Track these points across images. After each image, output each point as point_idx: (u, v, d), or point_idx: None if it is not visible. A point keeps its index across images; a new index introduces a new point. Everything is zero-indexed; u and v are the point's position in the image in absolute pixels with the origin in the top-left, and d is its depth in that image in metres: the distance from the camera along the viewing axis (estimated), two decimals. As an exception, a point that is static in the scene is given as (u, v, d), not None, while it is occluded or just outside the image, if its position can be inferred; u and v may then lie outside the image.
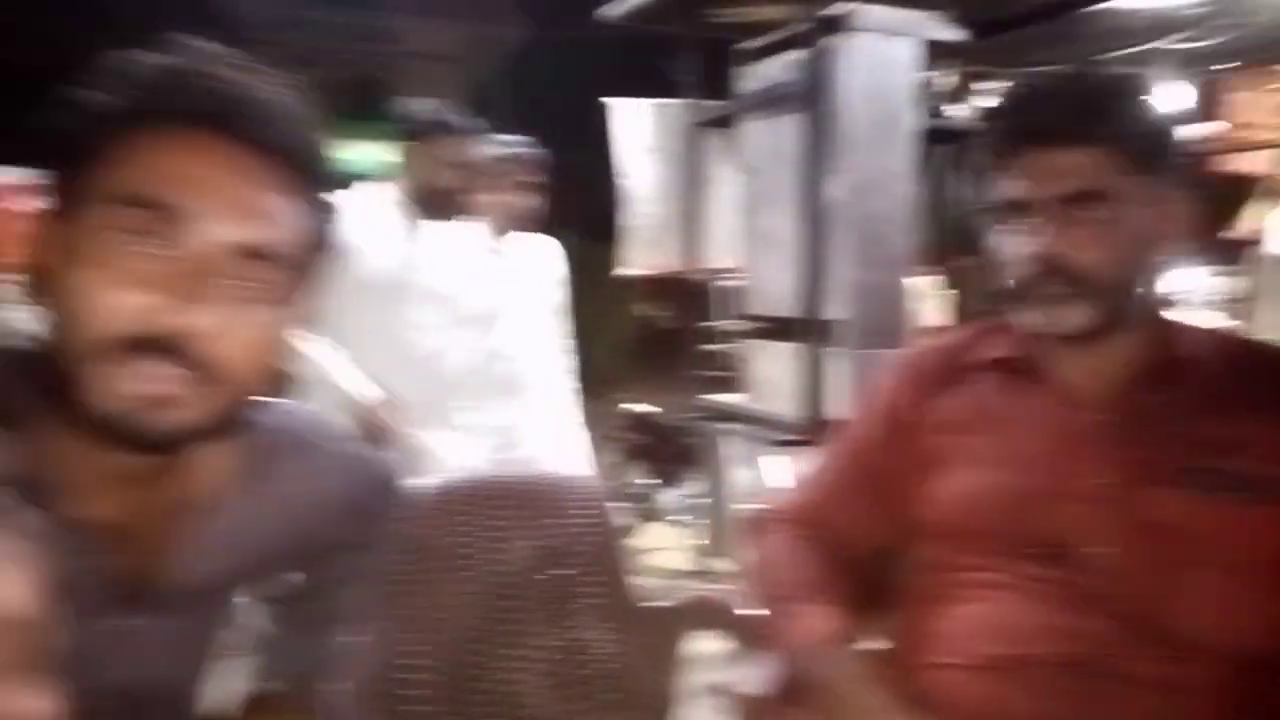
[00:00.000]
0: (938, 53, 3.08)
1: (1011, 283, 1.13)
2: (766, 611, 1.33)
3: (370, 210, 2.44)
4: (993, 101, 1.77)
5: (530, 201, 2.85)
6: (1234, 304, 3.98)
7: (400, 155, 2.50)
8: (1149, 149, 1.11)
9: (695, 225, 3.89)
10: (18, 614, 0.40)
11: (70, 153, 0.71)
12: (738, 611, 1.59)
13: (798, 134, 3.03)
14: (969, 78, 3.39)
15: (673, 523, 4.55)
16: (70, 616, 0.73)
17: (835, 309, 3.00)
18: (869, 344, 2.92)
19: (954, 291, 3.80)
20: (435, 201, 2.47)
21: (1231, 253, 4.07)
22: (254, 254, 0.71)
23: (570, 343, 3.08)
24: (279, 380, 0.79)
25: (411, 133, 2.49)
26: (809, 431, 3.07)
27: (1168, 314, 1.24)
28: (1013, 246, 1.12)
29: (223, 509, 0.83)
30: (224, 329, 0.69)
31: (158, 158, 0.69)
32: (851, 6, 2.91)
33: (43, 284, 0.71)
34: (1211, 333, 1.25)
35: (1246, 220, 4.25)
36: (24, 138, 0.80)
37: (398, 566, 1.44)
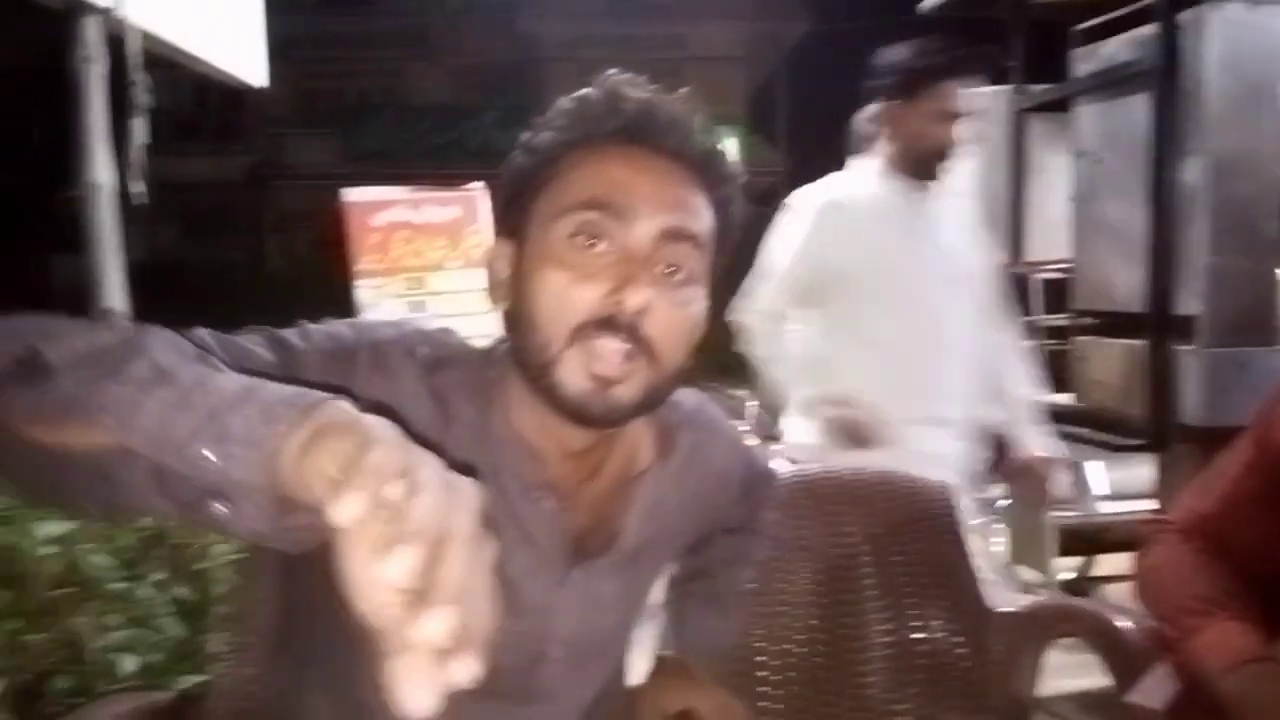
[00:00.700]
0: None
1: None
2: (1161, 625, 1.27)
3: (855, 192, 2.16)
4: None
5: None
6: None
7: (880, 117, 2.14)
8: None
9: (1018, 216, 3.72)
10: (467, 536, 0.47)
11: (523, 183, 0.84)
12: (1114, 622, 1.51)
13: (1146, 115, 2.82)
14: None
15: (975, 528, 4.36)
16: (528, 566, 0.85)
17: (1188, 303, 2.76)
18: (1231, 340, 2.66)
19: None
20: (924, 164, 2.11)
21: None
22: (677, 237, 0.80)
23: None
24: (694, 363, 0.86)
25: (899, 86, 2.10)
26: (1153, 436, 2.85)
27: None
28: None
29: (647, 480, 0.93)
30: (661, 307, 0.78)
31: (598, 171, 0.81)
32: (1216, -23, 2.67)
33: (503, 291, 0.85)
34: None
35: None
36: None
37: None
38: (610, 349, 0.77)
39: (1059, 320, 3.74)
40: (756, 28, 17.97)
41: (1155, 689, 1.24)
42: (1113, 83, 3.01)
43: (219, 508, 0.56)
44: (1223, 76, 2.69)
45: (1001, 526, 4.06)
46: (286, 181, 17.50)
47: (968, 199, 2.40)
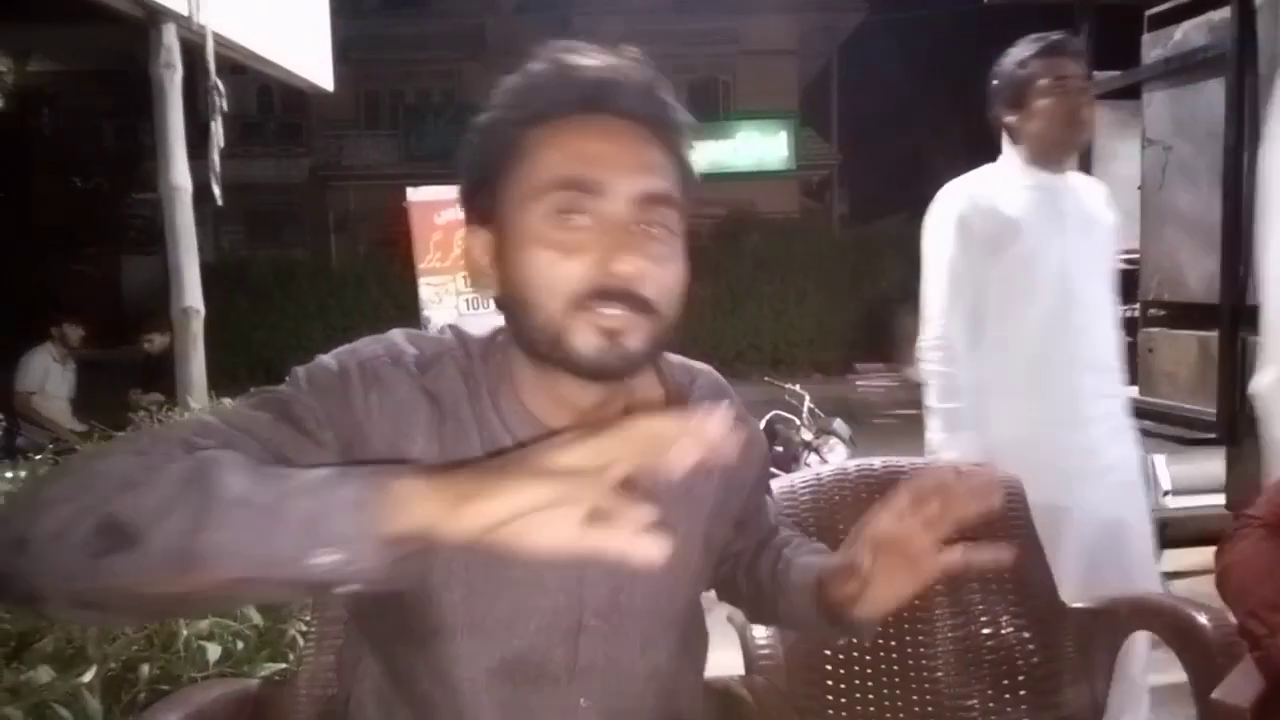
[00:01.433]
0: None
1: None
2: (1247, 621, 1.25)
3: (992, 191, 2.11)
4: None
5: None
6: None
7: (1014, 110, 2.11)
8: None
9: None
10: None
11: (485, 168, 0.85)
12: (1194, 617, 1.48)
13: (1218, 101, 2.75)
14: None
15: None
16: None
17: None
18: (1306, 331, 2.58)
19: None
20: (1058, 151, 2.11)
21: None
22: (652, 201, 0.82)
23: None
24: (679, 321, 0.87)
25: (1019, 86, 2.08)
26: (1223, 429, 2.78)
27: None
28: None
29: None
30: (648, 268, 0.81)
31: (564, 148, 0.82)
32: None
33: (487, 279, 0.87)
34: None
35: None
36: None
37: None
38: (611, 313, 0.80)
39: (1127, 311, 3.66)
40: (809, 20, 17.81)
41: (1240, 686, 1.22)
42: (1184, 68, 2.94)
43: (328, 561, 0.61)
44: (1302, 60, 2.61)
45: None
46: (347, 182, 17.80)
47: (1097, 182, 2.31)
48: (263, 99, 17.50)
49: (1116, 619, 1.71)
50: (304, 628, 1.55)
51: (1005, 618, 1.79)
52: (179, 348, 3.00)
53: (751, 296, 13.74)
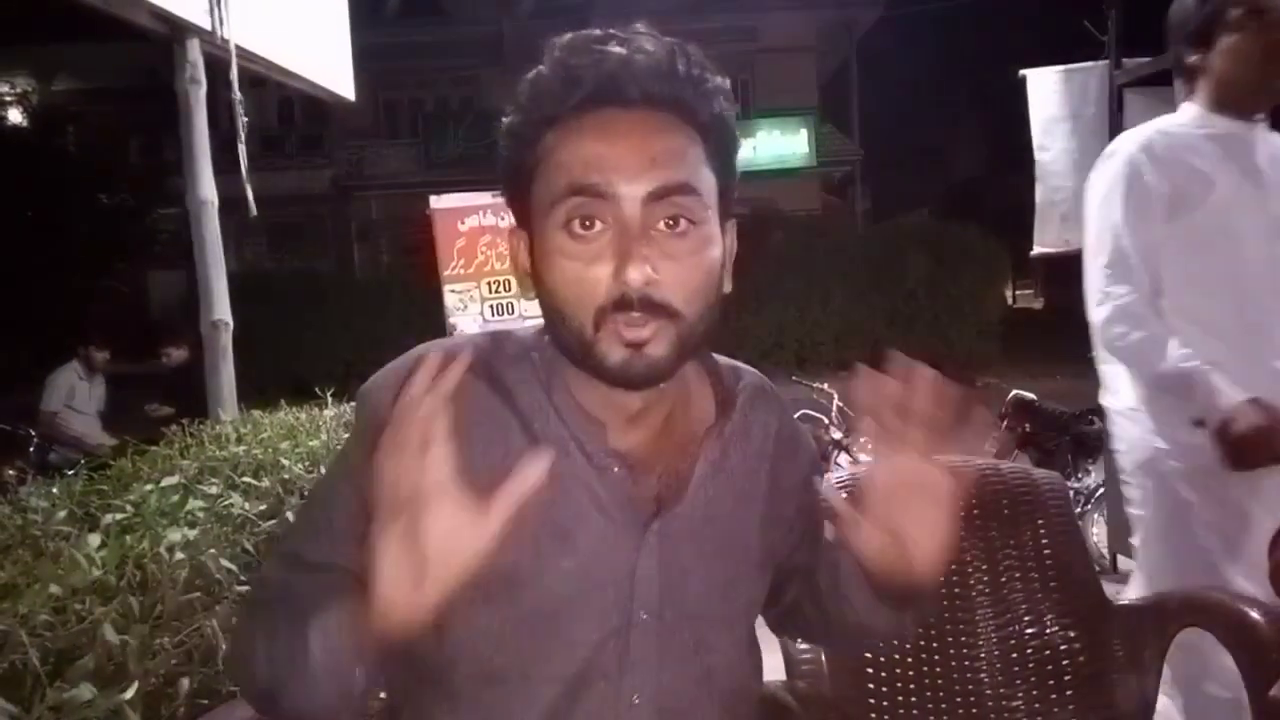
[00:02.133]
0: None
1: None
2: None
3: (1173, 142, 1.91)
4: None
5: None
6: None
7: (1198, 48, 1.90)
8: None
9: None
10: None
11: (515, 171, 0.85)
12: (1248, 614, 1.45)
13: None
14: None
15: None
16: (605, 534, 0.85)
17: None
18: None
19: None
20: (1249, 99, 1.89)
21: None
22: (665, 194, 0.79)
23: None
24: (718, 315, 0.85)
25: (1215, 12, 1.87)
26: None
27: None
28: None
29: (711, 435, 0.92)
30: (667, 267, 0.79)
31: (573, 152, 0.80)
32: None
33: (529, 282, 0.86)
34: None
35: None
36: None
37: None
38: (635, 322, 0.79)
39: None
40: (828, 16, 17.74)
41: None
42: (1217, 54, 2.86)
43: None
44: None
45: (1099, 516, 3.94)
46: (369, 192, 17.88)
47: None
48: (283, 111, 17.62)
49: (1165, 616, 1.68)
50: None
51: (1050, 617, 1.76)
52: (208, 360, 3.02)
53: (776, 295, 13.68)
